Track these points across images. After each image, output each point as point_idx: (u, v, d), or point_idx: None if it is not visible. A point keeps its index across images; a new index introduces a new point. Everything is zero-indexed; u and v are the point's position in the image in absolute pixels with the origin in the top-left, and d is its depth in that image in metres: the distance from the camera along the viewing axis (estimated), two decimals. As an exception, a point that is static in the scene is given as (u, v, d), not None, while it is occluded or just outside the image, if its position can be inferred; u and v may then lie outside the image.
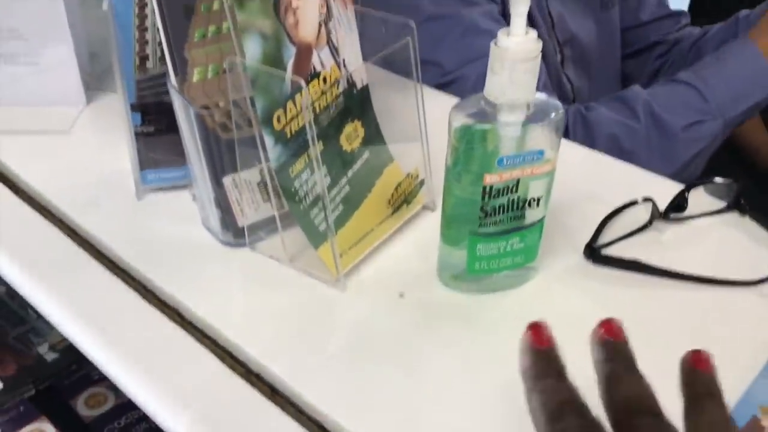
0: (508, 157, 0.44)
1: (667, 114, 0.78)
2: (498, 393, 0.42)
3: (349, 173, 0.52)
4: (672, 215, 0.55)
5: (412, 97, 0.53)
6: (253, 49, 0.45)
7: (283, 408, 0.42)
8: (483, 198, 0.45)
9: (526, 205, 0.46)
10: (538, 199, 0.46)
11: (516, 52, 0.41)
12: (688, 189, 0.55)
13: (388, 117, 0.55)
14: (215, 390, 0.43)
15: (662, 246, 0.54)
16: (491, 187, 0.44)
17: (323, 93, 0.49)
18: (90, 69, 0.73)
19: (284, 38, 0.47)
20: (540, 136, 0.44)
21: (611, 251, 0.52)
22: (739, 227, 0.56)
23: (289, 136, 0.47)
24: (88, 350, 0.46)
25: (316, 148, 0.46)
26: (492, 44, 0.42)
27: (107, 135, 0.64)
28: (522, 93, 0.42)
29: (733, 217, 0.57)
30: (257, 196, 0.52)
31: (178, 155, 0.55)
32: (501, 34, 0.41)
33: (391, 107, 0.56)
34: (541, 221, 0.48)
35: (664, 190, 0.56)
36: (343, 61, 0.51)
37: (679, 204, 0.55)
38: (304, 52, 0.48)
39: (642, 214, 0.55)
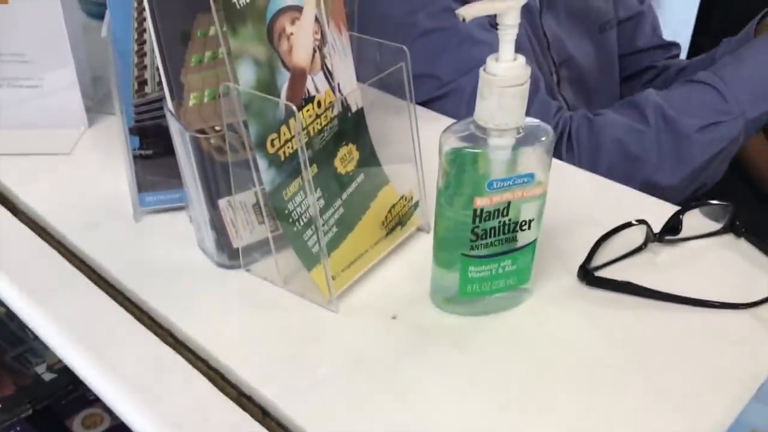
0: (498, 181, 0.44)
1: (681, 115, 0.75)
2: (489, 417, 0.42)
3: (344, 195, 0.52)
4: (667, 237, 0.55)
5: (407, 120, 0.53)
6: (247, 75, 0.45)
7: (273, 431, 0.42)
8: (474, 221, 0.45)
9: (518, 227, 0.46)
10: (530, 222, 0.46)
11: (504, 78, 0.42)
12: (682, 211, 0.55)
13: (384, 139, 0.56)
14: (206, 412, 0.43)
15: (657, 268, 0.54)
16: (482, 210, 0.45)
17: (317, 117, 0.50)
18: (93, 93, 0.74)
19: (278, 64, 0.47)
20: (530, 160, 0.45)
21: (606, 273, 0.52)
22: (735, 249, 0.56)
23: (282, 159, 0.48)
24: (79, 370, 0.46)
25: (308, 172, 0.47)
26: (481, 70, 0.42)
27: (107, 157, 0.65)
28: (511, 118, 0.43)
29: (729, 239, 0.57)
30: (252, 217, 0.53)
31: (175, 178, 0.55)
32: (490, 60, 0.42)
33: (387, 130, 0.56)
34: (533, 243, 0.48)
35: (659, 211, 0.56)
36: (338, 85, 0.52)
37: (673, 226, 0.55)
38: (298, 77, 0.49)
39: (637, 236, 0.55)
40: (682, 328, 0.49)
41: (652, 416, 0.42)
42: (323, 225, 0.50)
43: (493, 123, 0.43)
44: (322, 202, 0.51)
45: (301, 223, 0.49)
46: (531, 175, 0.45)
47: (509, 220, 0.46)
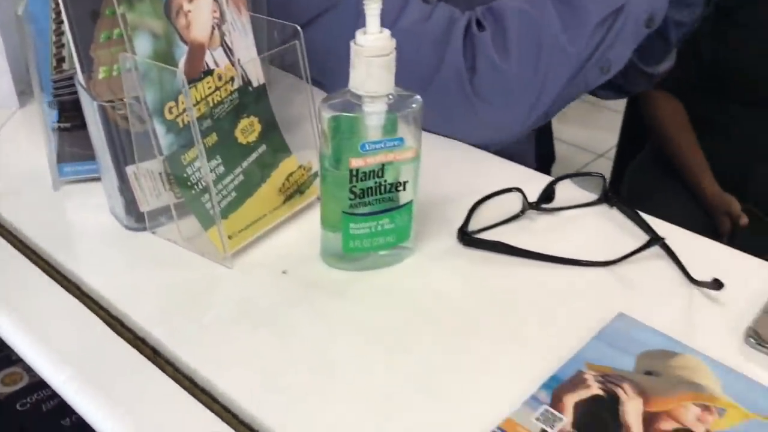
0: (370, 143, 0.49)
1: None
2: (359, 355, 0.47)
3: (244, 164, 0.57)
4: (544, 206, 0.60)
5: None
6: (143, 47, 0.50)
7: (162, 368, 0.46)
8: (351, 180, 0.50)
9: (394, 188, 0.51)
10: (405, 184, 0.51)
11: (371, 49, 0.46)
12: (555, 181, 0.60)
13: (289, 116, 0.61)
14: (104, 353, 0.47)
15: (532, 233, 0.59)
16: (357, 171, 0.49)
17: (217, 89, 0.54)
18: (28, 77, 0.77)
19: (175, 38, 0.52)
20: (401, 125, 0.49)
21: (485, 236, 0.57)
22: (608, 217, 0.61)
23: (181, 126, 0.52)
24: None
25: (200, 139, 0.51)
26: (351, 42, 0.47)
27: (35, 134, 0.68)
28: (379, 85, 0.48)
29: (603, 209, 0.62)
30: (159, 184, 0.57)
31: (92, 150, 0.59)
32: (358, 33, 0.47)
33: (292, 107, 0.61)
34: (410, 204, 0.53)
35: (542, 183, 0.61)
36: (238, 60, 0.56)
37: (548, 195, 0.60)
38: (197, 51, 0.53)
39: (517, 205, 0.60)
40: (547, 283, 0.54)
41: (503, 353, 0.47)
42: (222, 189, 0.55)
43: (364, 90, 0.48)
44: (222, 168, 0.55)
45: (199, 188, 0.53)
46: (401, 140, 0.49)
47: (385, 181, 0.51)
